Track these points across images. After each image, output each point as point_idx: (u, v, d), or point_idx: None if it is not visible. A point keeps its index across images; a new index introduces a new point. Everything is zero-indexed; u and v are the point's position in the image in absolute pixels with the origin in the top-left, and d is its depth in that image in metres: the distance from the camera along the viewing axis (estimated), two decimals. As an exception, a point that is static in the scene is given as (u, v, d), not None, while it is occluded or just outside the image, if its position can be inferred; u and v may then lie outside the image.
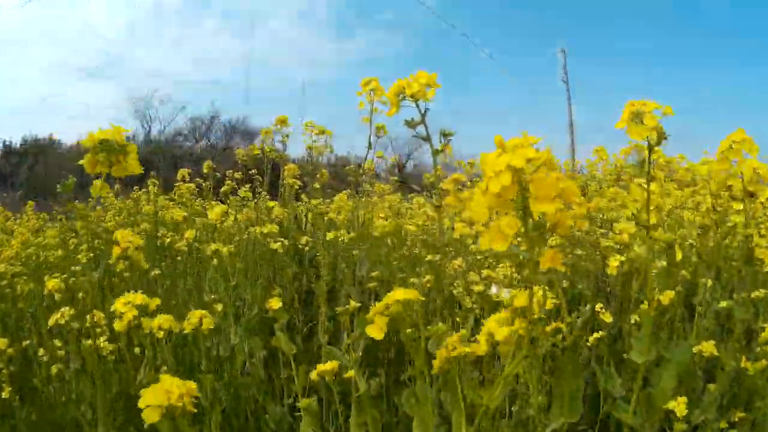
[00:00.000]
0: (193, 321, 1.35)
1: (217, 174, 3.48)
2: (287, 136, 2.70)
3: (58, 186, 1.10)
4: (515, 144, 0.60)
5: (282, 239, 2.32)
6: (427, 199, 3.72)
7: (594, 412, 1.55)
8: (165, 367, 1.46)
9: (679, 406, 1.23)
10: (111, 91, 37.10)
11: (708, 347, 1.42)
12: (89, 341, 1.53)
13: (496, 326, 0.82)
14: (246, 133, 23.11)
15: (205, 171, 3.36)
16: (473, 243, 2.12)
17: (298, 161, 3.22)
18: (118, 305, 1.23)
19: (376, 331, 0.80)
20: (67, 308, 1.62)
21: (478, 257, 2.21)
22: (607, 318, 1.51)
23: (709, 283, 1.66)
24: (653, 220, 1.04)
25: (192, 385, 0.79)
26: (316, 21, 38.55)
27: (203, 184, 3.56)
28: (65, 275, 2.00)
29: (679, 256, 1.03)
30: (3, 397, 1.68)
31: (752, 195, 1.44)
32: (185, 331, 1.39)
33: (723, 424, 1.40)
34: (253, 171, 3.45)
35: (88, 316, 1.53)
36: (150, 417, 0.76)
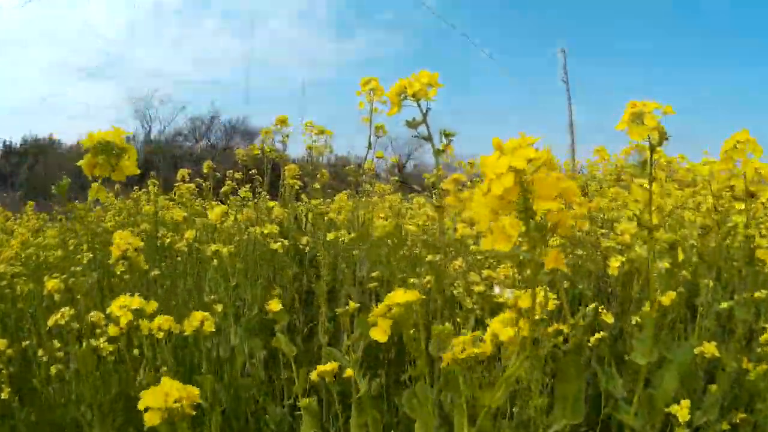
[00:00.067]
0: (194, 323, 1.34)
1: (217, 174, 3.47)
2: (287, 136, 2.70)
3: (52, 187, 1.09)
4: (514, 145, 0.60)
5: (282, 239, 2.31)
6: (428, 200, 3.73)
7: (595, 413, 1.54)
8: (165, 368, 1.46)
9: (681, 410, 1.22)
10: (111, 91, 37.14)
11: (709, 348, 1.42)
12: (87, 342, 1.52)
13: (500, 326, 0.81)
14: (246, 133, 23.13)
15: (205, 171, 3.35)
16: (474, 243, 2.11)
17: (298, 161, 3.21)
18: (114, 308, 1.22)
19: (379, 333, 0.80)
20: (67, 308, 1.61)
21: (479, 257, 2.21)
22: (609, 319, 1.50)
23: (711, 283, 1.66)
24: (655, 221, 1.04)
25: (194, 390, 0.78)
26: (316, 21, 38.57)
27: (203, 184, 3.55)
28: (65, 276, 1.99)
29: (681, 256, 1.03)
30: (2, 398, 1.68)
31: (753, 195, 1.44)
32: (185, 333, 1.38)
33: (724, 426, 1.39)
34: (253, 171, 3.45)
35: (87, 317, 1.53)
36: (150, 420, 0.75)
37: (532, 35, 36.72)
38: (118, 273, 1.83)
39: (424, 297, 0.88)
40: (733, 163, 1.28)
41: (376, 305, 2.19)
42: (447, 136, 0.96)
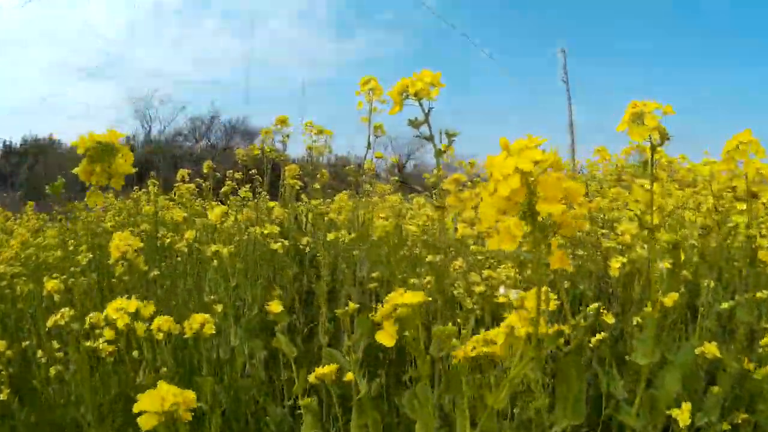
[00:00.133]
0: (194, 326, 1.33)
1: (217, 174, 3.47)
2: (287, 136, 2.69)
3: (47, 188, 1.07)
4: (521, 146, 0.60)
5: (282, 240, 2.31)
6: (429, 200, 3.72)
7: (596, 414, 1.54)
8: (165, 369, 1.45)
9: (682, 414, 1.22)
10: (111, 91, 37.15)
11: (711, 349, 1.42)
12: (86, 343, 1.52)
13: (516, 320, 0.80)
14: (246, 133, 23.13)
15: (204, 171, 3.35)
16: (474, 243, 2.11)
17: (298, 161, 3.21)
18: (110, 311, 1.21)
19: (386, 338, 0.79)
20: (67, 309, 1.61)
21: (479, 258, 2.21)
22: (609, 319, 1.50)
23: (712, 284, 1.65)
24: (656, 221, 1.04)
25: (190, 395, 0.77)
26: (316, 21, 38.56)
27: (203, 185, 3.55)
28: (65, 276, 1.99)
29: (683, 257, 1.02)
30: (2, 398, 1.68)
31: (755, 196, 1.44)
32: (186, 335, 1.38)
33: (726, 426, 1.39)
34: (253, 171, 3.44)
35: (85, 318, 1.52)
36: (146, 424, 0.75)
37: (532, 35, 36.72)
38: (118, 274, 1.83)
39: (429, 299, 0.88)
40: (735, 164, 1.27)
41: (377, 305, 2.19)
42: (449, 136, 0.95)
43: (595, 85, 32.60)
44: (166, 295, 2.43)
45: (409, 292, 0.81)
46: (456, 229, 1.98)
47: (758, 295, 1.43)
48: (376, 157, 3.16)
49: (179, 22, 35.50)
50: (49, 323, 1.59)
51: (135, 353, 1.48)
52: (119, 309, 1.22)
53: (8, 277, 2.35)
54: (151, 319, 1.35)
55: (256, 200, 3.00)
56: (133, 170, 1.01)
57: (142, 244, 1.67)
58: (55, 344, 1.78)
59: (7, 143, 22.06)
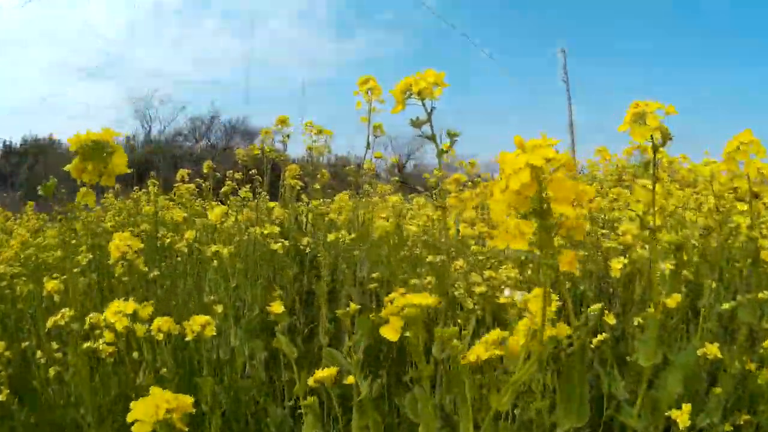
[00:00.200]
0: (195, 328, 1.33)
1: (217, 174, 3.47)
2: (288, 136, 2.69)
3: (38, 188, 1.06)
4: (535, 144, 0.60)
5: (283, 240, 2.30)
6: (429, 200, 3.72)
7: (597, 415, 1.54)
8: (165, 370, 1.45)
9: (682, 416, 1.22)
10: (111, 91, 37.11)
11: (712, 350, 1.41)
12: (86, 344, 1.51)
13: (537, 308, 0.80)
14: (246, 133, 23.13)
15: (204, 171, 3.34)
16: (475, 243, 2.10)
17: (298, 161, 3.20)
18: (109, 314, 1.20)
19: (390, 332, 0.78)
20: (66, 310, 1.60)
21: (480, 258, 2.20)
22: (611, 320, 1.49)
23: (713, 284, 1.65)
24: (657, 222, 1.03)
25: (186, 399, 0.76)
26: (316, 21, 38.55)
27: (203, 185, 3.54)
28: (65, 276, 1.99)
29: (685, 258, 1.02)
30: (1, 399, 1.67)
31: (757, 196, 1.43)
32: (187, 338, 1.37)
33: (728, 428, 1.38)
34: (253, 171, 3.44)
35: (84, 319, 1.52)
36: (140, 432, 0.73)
37: (532, 35, 36.72)
38: (118, 274, 1.83)
39: (440, 302, 0.87)
40: (736, 165, 1.27)
41: (377, 306, 2.19)
42: (451, 136, 0.95)
43: (595, 85, 32.64)
44: (166, 296, 2.43)
45: (419, 294, 0.80)
46: (458, 230, 1.98)
47: (760, 295, 1.43)
48: (375, 157, 3.15)
49: (179, 22, 35.51)
50: (49, 324, 1.59)
51: (135, 354, 1.48)
52: (117, 312, 1.21)
53: (8, 277, 2.34)
54: (150, 319, 1.34)
55: (256, 200, 2.99)
56: (128, 170, 1.00)
57: (142, 245, 1.67)
58: (55, 345, 1.77)
59: (7, 143, 22.08)
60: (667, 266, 1.17)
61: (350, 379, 1.21)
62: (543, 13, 37.16)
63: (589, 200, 0.61)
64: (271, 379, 1.87)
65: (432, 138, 0.93)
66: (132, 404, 0.76)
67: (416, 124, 0.90)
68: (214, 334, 1.39)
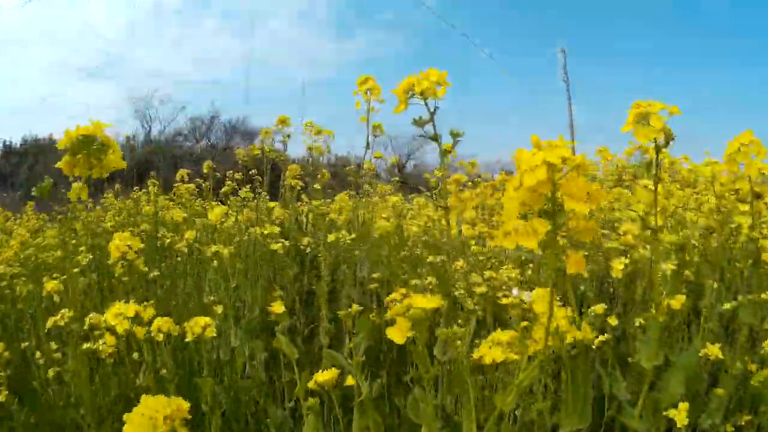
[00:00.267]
0: (195, 330, 1.32)
1: (217, 174, 3.46)
2: (288, 136, 2.69)
3: (33, 189, 1.04)
4: (551, 143, 0.61)
5: (283, 240, 2.30)
6: (430, 200, 3.71)
7: (598, 415, 1.53)
8: (164, 371, 1.45)
9: (680, 414, 1.21)
10: (111, 91, 37.07)
11: (714, 351, 1.41)
12: (85, 345, 1.51)
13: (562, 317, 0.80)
14: (246, 133, 23.13)
15: (204, 171, 3.34)
16: (476, 243, 2.10)
17: (299, 161, 3.20)
18: (109, 316, 1.18)
19: (397, 334, 0.78)
20: (66, 310, 1.60)
21: (480, 258, 2.20)
22: (613, 321, 1.49)
23: (715, 285, 1.65)
24: (659, 222, 1.03)
25: (182, 404, 0.73)
26: (316, 21, 38.54)
27: (203, 185, 3.54)
28: (64, 276, 1.98)
29: (687, 258, 1.02)
30: (0, 400, 1.67)
31: (759, 196, 1.43)
32: (187, 339, 1.37)
33: (729, 428, 1.38)
34: (253, 171, 3.43)
35: (83, 319, 1.51)
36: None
37: (532, 35, 36.72)
38: (118, 274, 1.83)
39: (444, 304, 0.86)
40: (737, 166, 1.26)
41: (377, 306, 2.18)
42: (454, 136, 0.94)
43: (595, 85, 32.65)
44: (166, 296, 2.42)
45: (424, 296, 0.80)
46: (460, 231, 1.97)
47: (762, 296, 1.42)
48: (375, 158, 3.15)
49: (179, 22, 35.50)
50: (49, 324, 1.58)
51: (135, 355, 1.48)
52: (118, 315, 1.18)
53: (8, 277, 2.34)
54: (150, 320, 1.34)
55: (256, 200, 2.99)
56: (123, 164, 0.99)
57: (142, 245, 1.66)
58: (54, 345, 1.77)
59: (7, 143, 22.09)
60: (668, 267, 1.17)
61: (350, 381, 1.21)
62: (543, 13, 37.17)
63: (604, 201, 0.61)
64: (271, 379, 1.87)
65: (435, 138, 0.92)
66: (125, 417, 0.73)
67: (419, 123, 0.89)
68: (215, 335, 1.39)
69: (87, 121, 0.98)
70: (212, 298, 1.94)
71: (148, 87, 32.68)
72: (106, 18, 37.84)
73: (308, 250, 2.46)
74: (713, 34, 35.05)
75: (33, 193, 1.05)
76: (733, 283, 1.85)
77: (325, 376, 1.15)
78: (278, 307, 1.45)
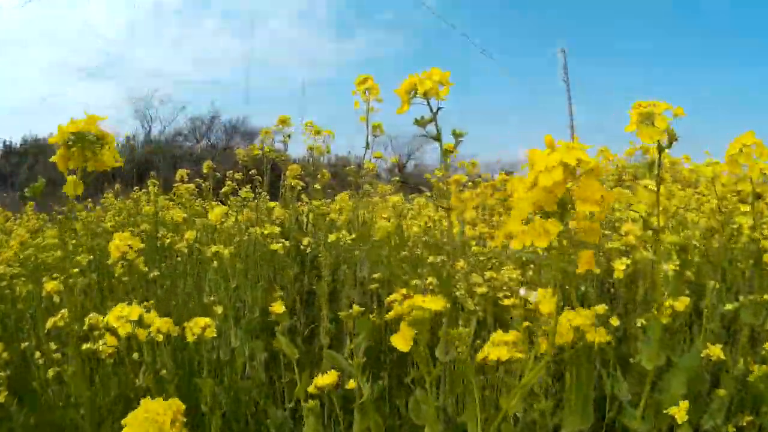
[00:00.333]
0: (195, 330, 1.32)
1: (217, 174, 3.46)
2: (289, 136, 2.68)
3: (26, 190, 1.01)
4: (567, 144, 0.61)
5: (283, 240, 2.30)
6: (430, 200, 3.70)
7: (599, 415, 1.53)
8: (164, 371, 1.44)
9: (680, 412, 1.21)
10: (111, 91, 37.00)
11: (715, 351, 1.41)
12: (85, 345, 1.50)
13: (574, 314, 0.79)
14: (246, 133, 23.13)
15: (204, 171, 3.34)
16: (476, 244, 2.10)
17: (299, 161, 3.20)
18: (111, 318, 1.16)
19: (401, 342, 0.77)
20: (66, 311, 1.60)
21: (481, 259, 2.19)
22: (615, 321, 1.49)
23: (716, 285, 1.64)
24: (661, 223, 1.03)
25: (180, 405, 0.72)
26: (316, 21, 38.54)
27: (203, 185, 3.54)
28: (64, 276, 1.98)
29: (689, 258, 1.01)
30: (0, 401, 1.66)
31: (760, 197, 1.42)
32: (187, 339, 1.36)
33: (731, 429, 1.38)
34: (253, 171, 3.43)
35: (81, 320, 1.51)
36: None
37: (532, 35, 36.73)
38: (118, 274, 1.82)
39: (446, 305, 0.85)
40: (739, 167, 1.26)
41: (378, 307, 2.17)
42: (457, 136, 0.94)
43: (595, 85, 32.65)
44: (166, 296, 2.42)
45: (426, 297, 0.79)
46: (462, 231, 1.97)
47: (764, 296, 1.42)
48: (375, 157, 3.14)
49: (179, 22, 35.49)
50: (49, 324, 1.58)
51: (135, 355, 1.47)
52: (120, 317, 1.15)
53: (7, 277, 2.34)
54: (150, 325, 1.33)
55: (256, 200, 2.99)
56: (118, 162, 0.96)
57: (142, 245, 1.66)
58: (54, 345, 1.77)
59: (7, 143, 22.08)
60: (670, 267, 1.16)
61: (351, 384, 1.20)
62: (543, 13, 37.17)
63: (614, 204, 0.61)
64: (271, 380, 1.86)
65: (437, 138, 0.92)
66: (124, 422, 0.72)
67: (421, 123, 0.89)
68: (215, 335, 1.38)
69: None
70: (212, 298, 1.94)
71: (148, 87, 32.68)
72: (106, 18, 37.84)
73: (308, 250, 2.45)
74: (713, 34, 35.06)
75: (26, 194, 1.02)
76: (734, 284, 1.85)
77: (325, 379, 1.14)
78: (278, 308, 1.44)
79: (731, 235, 1.85)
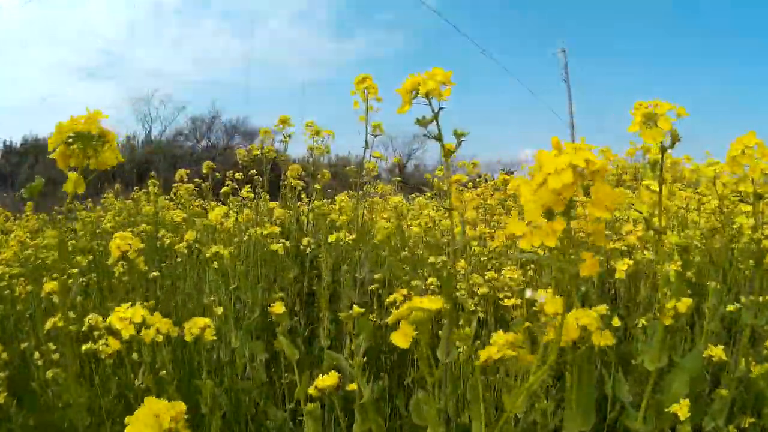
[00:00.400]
0: (194, 331, 1.31)
1: (218, 174, 3.45)
2: (289, 136, 2.68)
3: (23, 191, 0.98)
4: (576, 146, 0.60)
5: (283, 240, 2.29)
6: (431, 200, 3.70)
7: (600, 416, 1.52)
8: (164, 372, 1.44)
9: (682, 409, 1.21)
10: (111, 91, 36.95)
11: (717, 352, 1.40)
12: (85, 346, 1.50)
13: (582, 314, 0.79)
14: (246, 133, 23.15)
15: (204, 171, 3.33)
16: (477, 245, 2.09)
17: (299, 161, 3.19)
18: (114, 320, 1.13)
19: (401, 338, 0.77)
20: (66, 311, 1.59)
21: (482, 259, 2.19)
22: (616, 322, 1.48)
23: (717, 286, 1.64)
24: (663, 223, 1.02)
25: (181, 406, 0.72)
26: (315, 21, 38.57)
27: (203, 185, 3.53)
28: (63, 277, 1.97)
29: (690, 259, 1.01)
30: (-1, 401, 1.66)
31: (761, 197, 1.42)
32: (186, 339, 1.36)
33: (732, 430, 1.37)
34: (252, 171, 3.43)
35: (85, 319, 1.50)
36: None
37: (532, 35, 36.77)
38: (118, 274, 1.82)
39: (446, 306, 0.85)
40: (742, 168, 1.25)
41: (378, 307, 2.17)
42: (458, 136, 0.93)
43: (595, 85, 32.68)
44: (165, 297, 2.42)
45: (425, 297, 0.79)
46: (464, 231, 1.96)
47: (766, 297, 1.42)
48: (374, 157, 3.14)
49: (179, 22, 35.52)
50: (48, 325, 1.57)
51: (135, 355, 1.47)
52: (123, 318, 1.13)
53: (7, 277, 2.33)
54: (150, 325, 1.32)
55: (256, 200, 2.98)
56: (122, 159, 0.93)
57: (142, 245, 1.66)
58: (52, 346, 1.76)
59: (7, 143, 22.08)
60: (672, 268, 1.16)
61: (352, 386, 1.20)
62: (543, 13, 37.21)
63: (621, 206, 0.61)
64: (271, 380, 1.86)
65: (438, 138, 0.91)
66: (128, 419, 0.72)
67: (422, 123, 0.88)
68: (214, 336, 1.38)
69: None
70: (212, 298, 1.93)
71: (148, 87, 32.74)
72: (106, 18, 37.84)
73: (308, 250, 2.45)
74: (713, 34, 35.10)
75: (23, 194, 0.98)
76: (735, 285, 1.85)
77: (326, 381, 1.14)
78: (278, 308, 1.44)
79: (732, 236, 1.85)
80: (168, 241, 2.74)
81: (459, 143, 0.94)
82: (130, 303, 1.20)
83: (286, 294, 2.22)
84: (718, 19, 36.97)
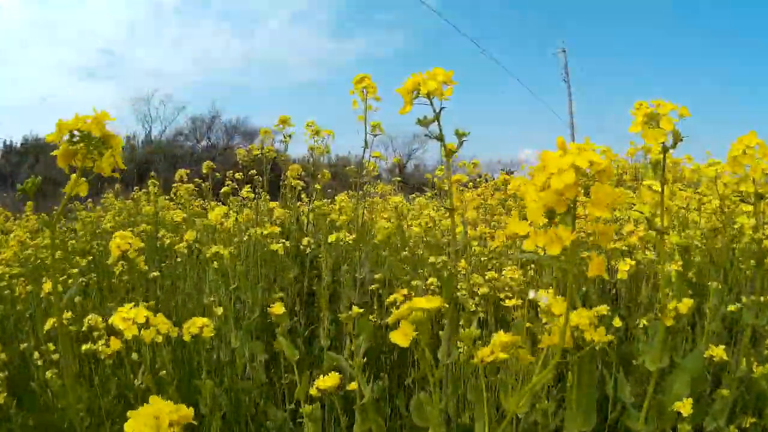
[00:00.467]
0: (192, 330, 1.31)
1: (218, 174, 3.45)
2: (289, 136, 2.68)
3: (18, 187, 0.96)
4: (579, 147, 0.60)
5: (284, 240, 2.29)
6: (431, 200, 3.69)
7: (601, 416, 1.52)
8: (164, 372, 1.44)
9: (685, 407, 1.20)
10: (111, 91, 36.98)
11: (718, 352, 1.40)
12: (85, 346, 1.50)
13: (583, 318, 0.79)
14: (246, 133, 23.17)
15: (204, 171, 3.33)
16: (478, 245, 2.09)
17: (299, 161, 3.19)
18: (117, 320, 1.12)
19: (400, 337, 0.76)
20: (66, 312, 1.59)
21: (482, 259, 2.19)
22: (617, 323, 1.48)
23: (718, 286, 1.64)
24: (665, 223, 1.02)
25: (186, 411, 0.71)
26: (315, 21, 38.61)
27: (202, 185, 3.53)
28: (63, 277, 1.97)
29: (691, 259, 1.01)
30: (-1, 402, 1.66)
31: (762, 197, 1.42)
32: (185, 339, 1.35)
33: (733, 430, 1.37)
34: (252, 171, 3.43)
35: (85, 320, 1.50)
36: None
37: (532, 35, 36.79)
38: (118, 274, 1.81)
39: (446, 306, 0.85)
40: (743, 168, 1.25)
41: (378, 307, 2.17)
42: (460, 136, 0.93)
43: (595, 85, 32.69)
44: (165, 297, 2.41)
45: (425, 297, 0.78)
46: (466, 231, 1.96)
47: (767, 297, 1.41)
48: (373, 156, 3.14)
49: (179, 21, 35.57)
50: (48, 325, 1.57)
51: (135, 355, 1.47)
52: (126, 319, 1.12)
53: (7, 277, 2.33)
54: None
55: (256, 200, 2.98)
56: (123, 166, 0.91)
57: (142, 245, 1.65)
58: (52, 346, 1.76)
59: (8, 143, 22.09)
60: (673, 268, 1.15)
61: (352, 386, 1.19)
62: (543, 13, 37.22)
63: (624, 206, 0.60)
64: (271, 381, 1.86)
65: (440, 138, 0.91)
66: (129, 413, 0.72)
67: (423, 123, 0.88)
68: (213, 335, 1.38)
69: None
70: (212, 299, 1.93)
71: (148, 87, 32.78)
72: (106, 18, 37.86)
73: (308, 250, 2.45)
74: (713, 34, 35.12)
75: (18, 191, 0.96)
76: (736, 285, 1.84)
77: (326, 382, 1.13)
78: (278, 308, 1.44)
79: (733, 236, 1.84)
80: (168, 241, 2.74)
81: (461, 143, 0.94)
82: (133, 303, 1.19)
83: (286, 294, 2.22)
84: (718, 19, 37.02)
